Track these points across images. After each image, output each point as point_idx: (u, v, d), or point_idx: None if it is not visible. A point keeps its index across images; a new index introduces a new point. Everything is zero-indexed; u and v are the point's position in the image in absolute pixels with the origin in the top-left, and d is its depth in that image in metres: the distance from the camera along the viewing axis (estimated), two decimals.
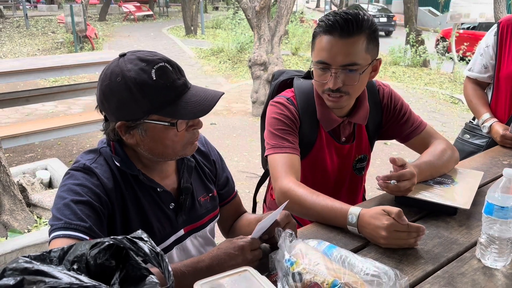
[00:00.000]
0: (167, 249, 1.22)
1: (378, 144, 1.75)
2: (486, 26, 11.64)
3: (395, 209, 1.16)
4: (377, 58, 1.47)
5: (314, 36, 1.44)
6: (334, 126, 1.56)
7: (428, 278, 1.08)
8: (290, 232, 1.02)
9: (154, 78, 1.03)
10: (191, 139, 1.15)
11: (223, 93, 1.14)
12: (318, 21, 1.46)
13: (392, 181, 1.34)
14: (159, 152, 1.13)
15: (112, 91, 1.05)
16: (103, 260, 0.68)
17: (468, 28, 12.26)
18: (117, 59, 1.08)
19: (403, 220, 1.15)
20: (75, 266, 0.68)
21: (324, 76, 1.43)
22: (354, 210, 1.24)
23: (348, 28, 1.35)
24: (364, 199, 1.83)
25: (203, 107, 1.08)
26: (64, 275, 0.62)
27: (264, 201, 1.90)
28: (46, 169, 3.60)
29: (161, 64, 1.05)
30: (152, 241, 0.73)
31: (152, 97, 1.04)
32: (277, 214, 1.11)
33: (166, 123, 1.07)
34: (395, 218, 1.15)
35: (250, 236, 1.10)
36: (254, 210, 1.97)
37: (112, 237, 0.71)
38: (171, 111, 1.06)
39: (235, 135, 5.89)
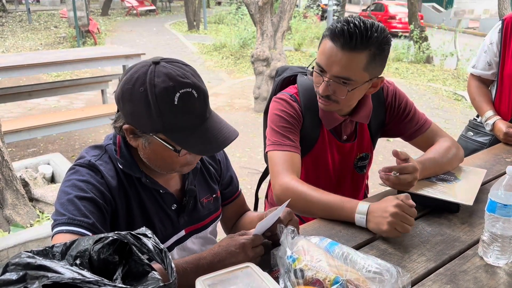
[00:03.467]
0: (168, 249, 1.21)
1: (381, 141, 1.75)
2: (379, 8, 16.70)
3: (402, 194, 1.24)
4: (379, 76, 1.42)
5: (322, 37, 1.41)
6: (336, 124, 1.55)
7: (430, 276, 1.08)
8: (292, 228, 1.02)
9: (176, 103, 1.00)
10: (191, 162, 1.14)
11: (238, 135, 1.11)
12: (330, 26, 1.41)
13: (393, 173, 1.34)
14: (156, 164, 1.13)
15: (131, 97, 1.02)
16: (107, 255, 0.69)
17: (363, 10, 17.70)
18: (148, 64, 1.04)
19: (410, 203, 1.21)
20: (77, 261, 0.68)
21: (319, 79, 1.41)
22: (362, 207, 1.27)
23: (351, 41, 1.30)
24: (366, 196, 1.83)
25: (212, 147, 1.06)
26: (66, 270, 0.63)
27: (266, 197, 1.90)
28: (48, 164, 3.60)
29: (187, 89, 1.01)
30: (156, 238, 0.73)
31: (166, 119, 1.01)
32: (280, 211, 1.11)
33: (170, 147, 1.05)
34: (403, 200, 1.21)
35: (252, 232, 1.09)
36: (256, 206, 1.97)
37: (116, 232, 0.71)
38: (179, 138, 1.04)
39: None
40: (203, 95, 1.05)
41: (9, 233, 2.77)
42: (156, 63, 1.03)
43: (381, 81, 1.45)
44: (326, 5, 17.82)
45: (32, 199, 3.18)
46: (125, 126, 1.08)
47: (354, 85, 1.36)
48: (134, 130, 1.07)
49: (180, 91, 1.00)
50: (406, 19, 15.21)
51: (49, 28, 15.49)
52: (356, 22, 1.31)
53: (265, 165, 1.89)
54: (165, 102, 0.99)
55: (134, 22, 18.37)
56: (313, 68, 1.46)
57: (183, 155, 1.08)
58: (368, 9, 18.22)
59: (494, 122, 2.09)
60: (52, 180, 3.52)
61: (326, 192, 1.35)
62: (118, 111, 1.13)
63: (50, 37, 13.64)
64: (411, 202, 1.21)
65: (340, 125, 1.57)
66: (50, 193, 3.15)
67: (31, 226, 2.89)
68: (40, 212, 3.10)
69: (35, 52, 9.73)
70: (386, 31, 1.36)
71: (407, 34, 12.89)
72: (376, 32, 1.31)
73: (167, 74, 1.01)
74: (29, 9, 16.76)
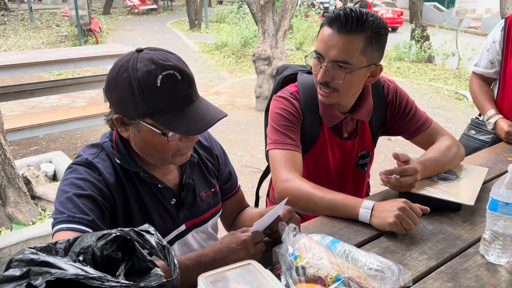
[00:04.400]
0: (168, 244, 1.22)
1: (382, 140, 1.75)
2: (364, 5, 17.35)
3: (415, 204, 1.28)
4: (377, 63, 1.43)
5: (320, 26, 1.44)
6: (336, 122, 1.55)
7: (432, 274, 1.08)
8: (294, 226, 1.02)
9: (158, 85, 1.01)
10: (182, 149, 1.13)
11: (226, 115, 1.10)
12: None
13: (394, 176, 1.34)
14: (148, 154, 1.12)
15: (116, 84, 1.04)
16: (110, 252, 0.69)
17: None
18: (132, 53, 1.06)
19: (417, 205, 1.27)
20: (80, 258, 0.69)
21: (317, 67, 1.43)
22: (368, 203, 1.29)
23: (347, 24, 1.33)
24: (367, 195, 1.83)
25: (198, 126, 1.05)
26: (70, 266, 0.63)
27: (267, 196, 1.91)
28: (50, 162, 3.61)
29: (170, 71, 1.02)
30: (159, 234, 0.74)
31: (150, 102, 1.02)
32: (279, 209, 1.11)
33: (158, 131, 1.06)
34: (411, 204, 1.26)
35: (249, 229, 1.10)
36: (256, 205, 1.97)
37: (119, 229, 0.72)
38: (165, 121, 1.04)
39: (238, 130, 5.89)
40: (187, 78, 1.05)
41: (11, 230, 2.78)
42: (139, 51, 1.06)
43: (380, 70, 1.46)
44: (319, 2, 18.56)
45: (34, 197, 3.19)
46: (114, 116, 1.09)
47: (352, 69, 1.37)
48: (122, 119, 1.08)
49: (163, 73, 1.01)
50: (388, 15, 18.05)
51: (51, 26, 15.50)
52: (352, 8, 1.36)
53: (266, 164, 1.89)
54: (148, 85, 1.01)
55: (136, 21, 18.38)
56: (308, 61, 1.49)
57: (173, 140, 1.08)
58: (354, 6, 19.31)
59: (496, 121, 2.09)
60: (54, 178, 3.53)
61: (329, 190, 1.36)
62: (110, 106, 1.14)
63: (52, 36, 13.66)
64: (419, 205, 1.27)
65: (340, 122, 1.57)
66: (52, 191, 3.16)
67: (33, 224, 2.90)
68: (42, 210, 3.11)
69: (37, 50, 9.73)
70: (382, 19, 1.39)
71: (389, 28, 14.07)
72: (371, 17, 1.35)
73: (149, 59, 1.03)
74: (31, 7, 16.77)
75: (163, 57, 1.04)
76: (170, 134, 1.06)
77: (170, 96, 1.03)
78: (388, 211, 1.23)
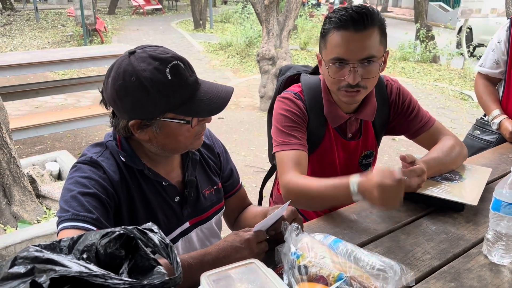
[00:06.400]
0: (172, 241, 1.23)
1: (387, 140, 1.75)
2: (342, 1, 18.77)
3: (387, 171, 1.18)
4: (386, 50, 1.46)
5: (325, 33, 1.40)
6: (341, 122, 1.55)
7: (434, 274, 1.08)
8: (296, 225, 1.03)
9: (169, 78, 1.04)
10: (199, 132, 1.18)
11: (233, 89, 1.16)
12: (327, 17, 1.44)
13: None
14: (171, 147, 1.15)
15: (127, 91, 1.05)
16: (113, 250, 0.70)
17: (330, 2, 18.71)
18: (126, 56, 1.07)
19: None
20: (84, 256, 0.69)
21: (342, 72, 1.39)
22: (354, 179, 1.25)
23: (362, 21, 1.34)
24: None
25: (217, 105, 1.11)
26: (74, 264, 0.64)
27: (271, 196, 1.91)
28: (55, 161, 3.63)
29: (174, 62, 1.06)
30: (162, 233, 0.74)
31: (168, 97, 1.05)
32: (282, 211, 1.12)
33: (182, 121, 1.09)
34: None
35: (253, 229, 1.10)
36: (260, 204, 1.97)
37: (122, 227, 0.72)
38: (187, 109, 1.08)
39: (242, 130, 5.89)
40: (188, 64, 1.10)
41: (16, 229, 2.80)
42: (132, 52, 1.08)
43: (387, 54, 1.47)
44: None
45: (39, 195, 3.21)
46: (131, 122, 1.09)
47: (377, 61, 1.39)
48: (141, 123, 1.09)
49: (169, 66, 1.04)
50: None
51: (56, 26, 15.56)
52: (353, 7, 1.38)
53: (270, 164, 1.89)
54: (160, 81, 1.03)
55: (141, 20, 18.41)
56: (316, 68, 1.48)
57: (195, 126, 1.12)
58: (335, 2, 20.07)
59: (500, 121, 2.08)
60: (59, 177, 3.55)
61: (323, 178, 1.35)
62: (113, 116, 1.14)
63: (57, 36, 13.71)
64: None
65: (345, 123, 1.57)
66: (57, 190, 3.17)
67: (38, 222, 2.91)
68: (47, 208, 3.12)
69: (42, 50, 9.79)
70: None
71: None
72: (372, 9, 1.39)
73: (149, 57, 1.05)
74: (36, 7, 16.85)
75: (159, 51, 1.07)
76: (193, 119, 1.10)
77: (182, 85, 1.06)
78: (371, 192, 1.19)
